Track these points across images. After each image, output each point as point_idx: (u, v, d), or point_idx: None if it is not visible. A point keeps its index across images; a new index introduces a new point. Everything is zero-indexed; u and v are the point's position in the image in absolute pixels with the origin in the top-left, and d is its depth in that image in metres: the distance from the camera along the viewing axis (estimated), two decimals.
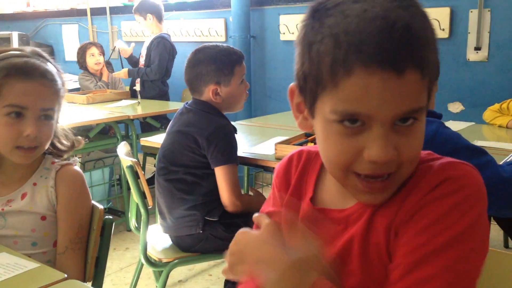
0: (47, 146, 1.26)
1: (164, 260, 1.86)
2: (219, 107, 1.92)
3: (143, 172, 1.82)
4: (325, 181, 0.81)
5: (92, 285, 1.31)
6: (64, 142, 1.34)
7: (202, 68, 1.88)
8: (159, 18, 3.94)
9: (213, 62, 1.88)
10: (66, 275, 0.98)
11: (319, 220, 0.78)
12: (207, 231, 1.84)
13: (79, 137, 1.38)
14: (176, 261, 1.85)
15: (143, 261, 1.84)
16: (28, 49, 1.26)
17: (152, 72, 3.83)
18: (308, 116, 0.73)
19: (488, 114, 2.46)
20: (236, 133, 1.93)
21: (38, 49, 1.29)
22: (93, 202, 1.34)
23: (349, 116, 0.64)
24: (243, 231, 0.75)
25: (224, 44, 1.96)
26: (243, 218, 1.85)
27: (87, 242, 1.30)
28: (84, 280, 1.28)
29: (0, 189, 1.26)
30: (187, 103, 1.98)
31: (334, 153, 0.68)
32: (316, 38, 0.65)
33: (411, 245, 0.65)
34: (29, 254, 1.21)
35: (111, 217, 1.32)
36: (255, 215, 0.79)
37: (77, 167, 1.34)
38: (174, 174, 1.87)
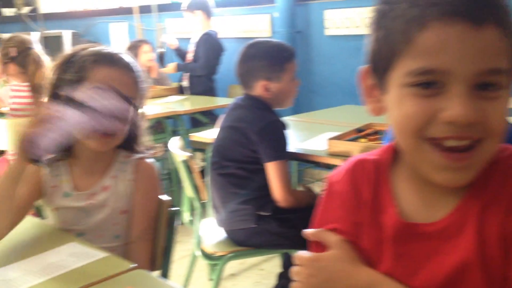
0: (122, 137, 1.27)
1: (219, 253, 1.88)
2: (269, 102, 1.93)
3: None
4: (404, 192, 0.73)
5: (160, 273, 1.34)
6: (142, 141, 1.37)
7: (253, 63, 1.90)
8: (208, 15, 3.98)
9: (265, 57, 1.89)
10: (133, 265, 1.02)
11: (413, 236, 0.69)
12: (260, 225, 1.86)
13: (160, 146, 1.44)
14: (231, 254, 1.87)
15: (198, 253, 1.87)
16: (115, 48, 1.34)
17: (199, 68, 3.88)
18: (380, 96, 0.69)
19: None
20: (287, 129, 1.93)
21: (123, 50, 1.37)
22: None
23: (425, 76, 0.60)
24: (309, 257, 0.72)
25: (276, 40, 1.96)
26: (296, 213, 1.86)
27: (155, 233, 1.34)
28: (153, 269, 1.32)
29: (81, 182, 1.30)
30: (238, 98, 1.99)
31: (406, 117, 0.63)
32: (390, 7, 0.64)
33: None
34: (113, 246, 1.26)
35: (176, 208, 1.36)
36: (311, 231, 0.76)
37: (152, 160, 1.38)
38: (226, 169, 1.89)
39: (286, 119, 2.79)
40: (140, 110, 1.33)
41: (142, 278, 0.99)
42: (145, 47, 4.04)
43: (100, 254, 1.08)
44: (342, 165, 0.81)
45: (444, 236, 0.66)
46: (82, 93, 1.14)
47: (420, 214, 0.70)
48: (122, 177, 1.31)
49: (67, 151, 1.27)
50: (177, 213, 1.37)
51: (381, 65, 0.67)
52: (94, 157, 1.30)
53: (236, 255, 1.90)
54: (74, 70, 1.23)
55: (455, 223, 0.66)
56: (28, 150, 1.07)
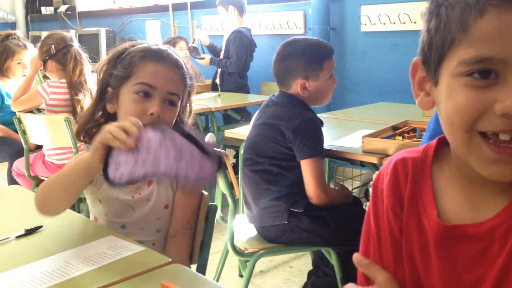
0: None
1: (250, 250, 1.88)
2: (306, 100, 1.91)
3: None
4: (447, 192, 0.70)
5: (197, 267, 1.37)
6: None
7: (291, 62, 1.88)
8: (241, 11, 3.99)
9: (303, 56, 1.87)
10: (170, 259, 1.03)
11: (457, 238, 0.67)
12: (292, 222, 1.85)
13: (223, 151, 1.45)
14: (262, 251, 1.87)
15: (230, 249, 1.88)
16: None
17: (231, 65, 3.90)
18: (430, 89, 0.67)
19: None
20: (323, 126, 1.91)
21: (169, 46, 1.38)
22: None
23: (480, 64, 0.58)
24: None
25: (314, 37, 1.95)
26: (328, 211, 1.84)
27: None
28: (190, 264, 1.34)
29: None
30: (273, 95, 1.98)
31: (457, 109, 0.60)
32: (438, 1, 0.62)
33: None
34: (153, 240, 1.31)
35: (215, 203, 1.37)
36: (361, 260, 0.74)
37: None
38: (259, 165, 1.89)
39: (318, 115, 2.79)
40: (186, 107, 1.34)
41: (178, 273, 0.99)
42: (181, 43, 4.10)
43: (137, 248, 1.09)
44: (384, 166, 0.79)
45: (493, 237, 0.63)
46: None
47: (465, 215, 0.67)
48: None
49: None
50: (215, 209, 1.38)
51: (434, 56, 0.64)
52: None
53: (267, 252, 1.90)
54: (122, 66, 1.25)
55: (504, 223, 0.63)
56: (108, 166, 1.03)
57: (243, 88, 4.02)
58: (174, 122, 1.29)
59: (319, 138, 1.84)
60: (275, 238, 1.89)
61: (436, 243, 0.68)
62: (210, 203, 1.37)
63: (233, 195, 1.83)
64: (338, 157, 2.05)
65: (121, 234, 1.25)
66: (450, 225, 0.67)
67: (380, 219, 0.76)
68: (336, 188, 2.06)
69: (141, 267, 1.00)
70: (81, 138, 1.31)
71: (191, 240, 1.34)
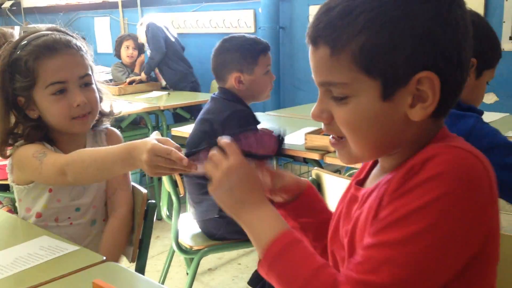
0: (99, 109, 1.32)
1: (195, 248, 1.88)
2: (243, 95, 1.93)
3: None
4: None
5: (136, 266, 1.36)
6: (107, 105, 1.40)
7: (226, 56, 1.92)
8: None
9: (237, 50, 1.91)
10: (104, 257, 1.02)
11: (353, 197, 0.81)
12: (223, 216, 1.83)
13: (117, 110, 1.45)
14: (207, 248, 1.88)
15: (174, 248, 1.88)
16: (43, 27, 1.31)
17: (154, 53, 3.85)
18: None
19: None
20: (259, 123, 1.93)
21: (52, 25, 1.34)
22: (137, 186, 1.40)
23: None
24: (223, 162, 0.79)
25: (252, 36, 1.98)
26: None
27: (131, 226, 1.37)
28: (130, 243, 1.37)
29: None
30: (214, 93, 2.01)
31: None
32: None
33: (379, 219, 0.67)
34: (104, 216, 1.36)
35: (154, 201, 1.36)
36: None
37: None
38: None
39: (268, 113, 2.82)
40: (97, 81, 1.34)
41: (112, 271, 0.99)
42: (128, 42, 4.04)
43: (71, 247, 1.07)
44: None
45: (365, 200, 0.76)
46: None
47: (369, 183, 0.82)
48: (99, 145, 1.35)
49: (43, 137, 1.27)
50: (154, 206, 1.37)
51: None
52: (71, 140, 1.31)
53: (212, 249, 1.90)
54: (22, 76, 1.21)
55: (367, 192, 0.76)
56: None
57: (189, 76, 3.98)
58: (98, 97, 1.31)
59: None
60: (214, 233, 1.90)
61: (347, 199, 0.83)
62: (149, 200, 1.36)
63: (177, 193, 1.83)
64: (283, 154, 2.08)
65: (76, 218, 1.31)
66: (356, 186, 0.82)
67: None
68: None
69: (74, 266, 0.99)
70: (5, 149, 1.28)
71: (131, 195, 1.39)
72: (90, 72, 1.28)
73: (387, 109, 0.68)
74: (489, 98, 3.09)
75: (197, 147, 1.86)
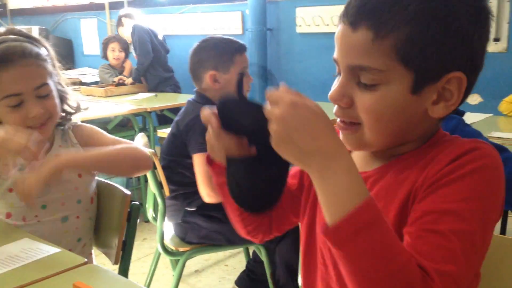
0: (59, 114, 1.29)
1: (181, 249, 1.88)
2: (217, 95, 1.88)
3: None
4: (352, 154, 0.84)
5: (119, 268, 1.35)
6: (72, 103, 1.36)
7: (203, 54, 1.91)
8: (132, 17, 4.06)
9: (213, 48, 1.90)
10: (86, 260, 1.01)
11: None
12: (189, 220, 1.86)
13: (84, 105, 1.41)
14: (192, 250, 1.87)
15: (160, 250, 1.87)
16: (0, 30, 1.27)
17: (141, 58, 3.85)
18: None
19: (505, 106, 2.43)
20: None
21: (10, 27, 1.30)
22: (120, 187, 1.38)
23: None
24: (289, 100, 0.62)
25: (230, 37, 1.98)
26: (221, 210, 1.78)
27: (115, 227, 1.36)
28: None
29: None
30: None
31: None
32: None
33: (426, 207, 0.65)
34: (77, 213, 1.33)
35: (137, 203, 1.36)
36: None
37: (89, 125, 1.41)
38: (163, 161, 1.90)
39: None
40: (58, 80, 1.30)
41: (93, 272, 0.99)
42: (114, 44, 4.03)
43: (53, 250, 1.07)
44: None
45: (368, 182, 0.75)
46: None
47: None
48: (68, 143, 1.33)
49: None
50: (138, 208, 1.36)
51: None
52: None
53: (198, 251, 1.89)
54: None
55: (374, 177, 0.76)
56: None
57: (168, 80, 3.98)
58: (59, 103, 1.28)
59: None
60: (183, 237, 1.89)
61: None
62: (133, 202, 1.35)
63: (162, 195, 1.82)
64: None
65: (43, 215, 1.28)
66: None
67: None
68: None
69: (55, 269, 0.98)
70: None
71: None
72: (47, 81, 1.24)
73: (413, 102, 0.70)
74: (474, 99, 3.12)
75: (166, 148, 1.87)
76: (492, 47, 3.03)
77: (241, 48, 1.94)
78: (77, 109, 1.38)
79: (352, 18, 0.69)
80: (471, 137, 1.20)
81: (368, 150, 0.79)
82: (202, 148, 1.74)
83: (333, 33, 0.76)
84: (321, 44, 3.69)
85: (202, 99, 1.90)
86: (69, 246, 1.28)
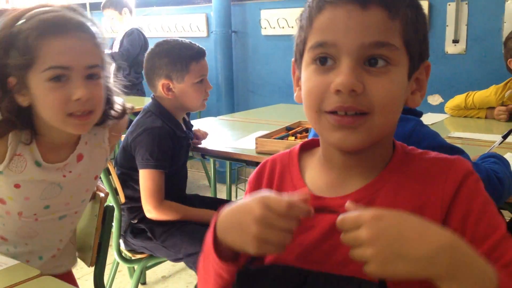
0: (101, 110, 1.13)
1: (137, 257, 1.84)
2: (172, 104, 1.82)
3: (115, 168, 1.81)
4: (314, 175, 0.78)
5: (95, 270, 1.36)
6: (118, 106, 1.21)
7: (156, 61, 1.80)
8: (132, 12, 3.98)
9: (167, 55, 1.78)
10: (40, 271, 0.98)
11: (320, 207, 0.70)
12: (133, 233, 1.81)
13: (130, 105, 1.26)
14: (148, 257, 1.83)
15: (116, 257, 1.83)
16: (56, 4, 1.11)
17: (119, 55, 3.77)
18: (301, 82, 0.75)
19: (456, 113, 2.50)
20: (181, 138, 1.84)
21: (68, 4, 1.13)
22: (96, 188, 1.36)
23: (319, 49, 0.68)
24: (369, 216, 0.57)
25: (187, 40, 1.86)
26: (153, 224, 1.76)
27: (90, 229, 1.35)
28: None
29: (51, 155, 1.15)
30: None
31: (307, 93, 0.71)
32: (306, 3, 0.74)
33: (477, 236, 0.66)
34: (76, 209, 1.25)
35: (112, 204, 1.34)
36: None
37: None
38: (118, 172, 1.83)
39: (222, 118, 2.81)
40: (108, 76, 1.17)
41: (47, 285, 0.96)
42: None
43: (9, 262, 1.04)
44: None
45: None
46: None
47: (330, 191, 0.74)
48: (95, 142, 1.21)
49: (27, 126, 1.10)
50: (112, 210, 1.37)
51: (298, 53, 0.75)
52: (62, 134, 1.13)
53: (154, 258, 1.85)
54: (19, 52, 1.02)
55: (365, 198, 0.71)
56: None
57: (135, 86, 3.94)
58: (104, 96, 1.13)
59: (159, 149, 1.72)
60: (135, 248, 1.84)
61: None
62: (107, 204, 1.34)
63: (118, 201, 1.76)
64: (235, 159, 2.08)
65: (43, 214, 1.20)
66: (318, 196, 0.73)
67: None
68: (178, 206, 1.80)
69: (8, 281, 0.95)
70: None
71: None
72: (100, 65, 1.10)
73: (407, 88, 0.71)
74: (435, 99, 3.20)
75: (118, 159, 1.81)
76: (451, 49, 3.11)
77: (197, 55, 1.81)
78: (122, 114, 1.22)
79: None
80: (429, 138, 1.24)
81: (365, 145, 0.70)
82: (146, 164, 1.70)
83: None
84: (286, 46, 3.71)
85: (156, 108, 1.80)
86: (65, 237, 1.26)
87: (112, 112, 1.19)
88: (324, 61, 0.68)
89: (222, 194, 3.29)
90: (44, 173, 1.14)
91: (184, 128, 1.90)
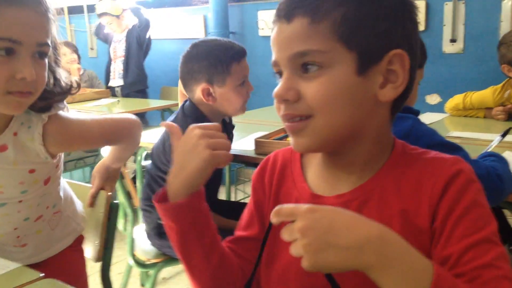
0: (40, 92, 1.05)
1: (152, 261, 1.82)
2: (212, 110, 1.69)
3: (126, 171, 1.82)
4: (313, 172, 0.81)
5: (101, 265, 1.38)
6: (62, 84, 1.12)
7: (194, 64, 1.65)
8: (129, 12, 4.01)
9: (206, 58, 1.63)
10: (43, 274, 0.98)
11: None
12: (159, 231, 1.76)
13: (76, 79, 1.17)
14: (164, 261, 1.82)
15: (130, 262, 1.82)
16: None
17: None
18: None
19: (455, 113, 2.51)
20: None
21: None
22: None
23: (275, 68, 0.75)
24: (303, 210, 0.59)
25: (226, 39, 1.73)
26: None
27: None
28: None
29: None
30: (186, 100, 1.78)
31: None
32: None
33: (460, 245, 0.65)
34: (20, 199, 1.16)
35: (117, 201, 1.37)
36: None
37: (66, 113, 1.14)
38: (151, 171, 1.80)
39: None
40: (53, 55, 1.10)
41: (50, 287, 0.96)
42: (62, 50, 3.96)
43: (12, 265, 1.04)
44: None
45: (348, 208, 0.65)
46: None
47: (327, 191, 0.77)
48: (26, 135, 1.09)
49: None
50: (117, 206, 1.39)
51: None
52: None
53: (169, 262, 1.84)
54: None
55: (358, 198, 0.73)
56: None
57: (143, 82, 3.99)
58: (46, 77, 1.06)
59: None
60: (160, 248, 1.80)
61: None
62: (112, 201, 1.36)
63: (131, 205, 1.76)
64: (235, 160, 2.08)
65: None
66: (316, 194, 0.77)
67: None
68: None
69: (12, 284, 0.95)
70: None
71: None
72: (49, 43, 1.03)
73: (360, 85, 0.69)
74: (433, 99, 3.21)
75: (154, 159, 1.75)
76: (449, 48, 3.12)
77: (239, 55, 1.66)
78: (67, 91, 1.12)
79: (285, 11, 0.70)
80: (427, 136, 1.24)
81: (324, 150, 0.75)
82: None
83: None
84: None
85: (193, 112, 1.68)
86: (21, 226, 1.20)
87: (55, 88, 1.10)
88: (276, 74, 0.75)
89: (221, 195, 3.28)
90: None
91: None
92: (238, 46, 1.69)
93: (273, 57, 0.73)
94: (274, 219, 0.61)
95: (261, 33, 3.83)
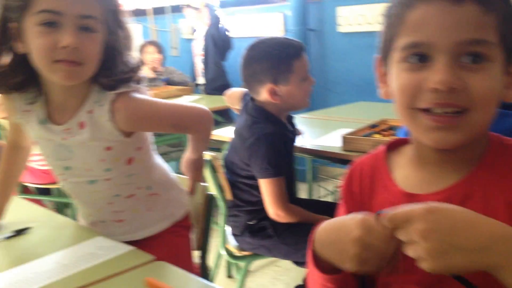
0: (93, 65, 1.08)
1: (244, 253, 1.87)
2: (278, 108, 1.72)
3: None
4: (404, 173, 0.79)
5: (201, 253, 1.44)
6: (128, 64, 1.15)
7: (256, 66, 1.67)
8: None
9: (267, 58, 1.65)
10: (155, 257, 1.06)
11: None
12: (254, 232, 1.79)
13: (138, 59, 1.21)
14: (255, 255, 1.86)
15: (223, 252, 1.87)
16: None
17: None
18: (387, 78, 0.76)
19: None
20: (293, 141, 1.82)
21: None
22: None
23: (413, 49, 0.68)
24: (421, 211, 0.57)
25: (281, 36, 1.74)
26: (283, 224, 1.73)
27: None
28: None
29: (55, 116, 1.16)
30: (247, 100, 1.83)
31: (399, 91, 0.70)
32: (392, 2, 0.74)
33: None
34: (107, 176, 1.21)
35: (213, 193, 1.45)
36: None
37: (137, 94, 1.15)
38: (230, 177, 1.82)
39: (300, 116, 2.83)
40: (119, 33, 1.12)
41: (163, 270, 1.02)
42: (149, 48, 4.15)
43: (125, 248, 1.12)
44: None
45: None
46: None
47: (423, 187, 0.75)
48: (99, 112, 1.13)
49: (34, 86, 1.13)
50: (214, 198, 1.46)
51: (385, 49, 0.75)
52: (63, 93, 1.13)
53: (259, 255, 1.87)
54: None
55: (459, 193, 0.71)
56: None
57: (222, 77, 4.15)
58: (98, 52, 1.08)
59: (276, 155, 1.66)
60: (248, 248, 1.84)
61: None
62: (208, 192, 1.43)
63: (224, 198, 1.79)
64: (319, 156, 2.10)
65: (70, 176, 1.23)
66: (411, 193, 0.75)
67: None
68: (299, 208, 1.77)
69: (127, 265, 1.03)
70: None
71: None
72: (97, 17, 1.05)
73: (502, 85, 0.69)
74: None
75: (231, 162, 1.79)
76: None
77: (298, 51, 1.69)
78: (131, 70, 1.14)
79: None
80: None
81: (462, 145, 0.70)
82: (269, 173, 1.65)
83: (375, 32, 0.78)
84: (364, 43, 3.67)
85: (261, 115, 1.71)
86: (116, 202, 1.27)
87: (121, 69, 1.13)
88: (416, 58, 0.68)
89: (302, 193, 3.31)
90: (47, 132, 1.16)
91: (290, 127, 1.85)
92: (296, 42, 1.71)
93: (420, 38, 0.67)
94: (389, 226, 0.60)
95: (340, 29, 3.80)
